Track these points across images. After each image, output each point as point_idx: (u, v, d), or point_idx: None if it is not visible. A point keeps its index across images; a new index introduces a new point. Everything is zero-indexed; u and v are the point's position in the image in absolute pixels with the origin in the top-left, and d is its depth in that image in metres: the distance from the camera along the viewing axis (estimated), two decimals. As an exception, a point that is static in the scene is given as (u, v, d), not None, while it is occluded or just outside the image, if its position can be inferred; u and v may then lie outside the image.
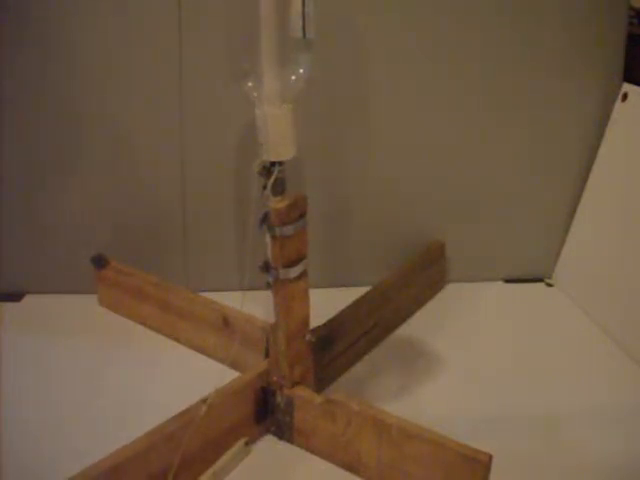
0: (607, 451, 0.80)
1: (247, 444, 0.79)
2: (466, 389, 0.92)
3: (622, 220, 1.06)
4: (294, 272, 0.74)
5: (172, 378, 0.92)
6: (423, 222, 1.16)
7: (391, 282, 1.05)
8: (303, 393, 0.79)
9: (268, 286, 0.76)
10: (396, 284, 1.05)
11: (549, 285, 1.19)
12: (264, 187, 0.71)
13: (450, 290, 1.18)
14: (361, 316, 0.98)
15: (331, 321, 0.91)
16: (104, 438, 0.70)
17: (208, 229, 1.12)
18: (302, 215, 0.74)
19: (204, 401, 0.73)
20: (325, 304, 0.87)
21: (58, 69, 1.04)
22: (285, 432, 0.81)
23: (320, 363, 0.86)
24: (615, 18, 1.10)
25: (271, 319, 0.78)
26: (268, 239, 0.73)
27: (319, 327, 0.87)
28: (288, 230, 0.72)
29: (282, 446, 0.81)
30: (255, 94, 0.70)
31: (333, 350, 0.91)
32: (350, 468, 0.77)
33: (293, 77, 0.70)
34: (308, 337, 0.80)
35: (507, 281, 1.20)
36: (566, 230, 1.18)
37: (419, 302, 1.12)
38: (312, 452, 0.80)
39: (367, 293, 1.00)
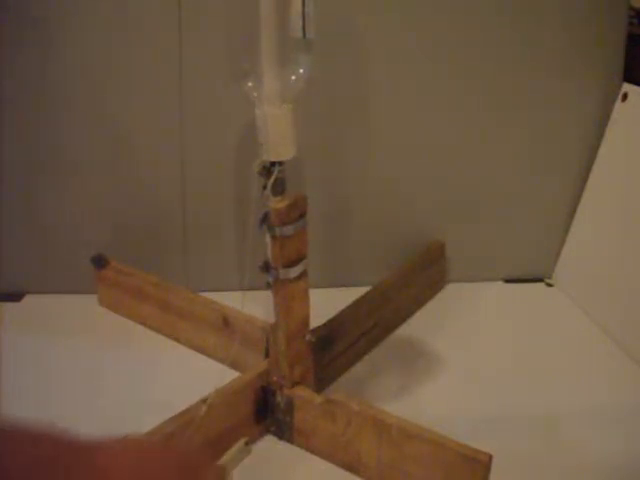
0: (607, 451, 0.80)
1: (247, 444, 0.78)
2: (466, 389, 0.92)
3: (622, 220, 1.06)
4: (294, 272, 0.74)
5: (172, 378, 0.92)
6: (423, 222, 1.16)
7: (391, 282, 1.05)
8: (303, 393, 0.79)
9: (268, 286, 0.75)
10: (396, 284, 1.05)
11: (549, 285, 1.19)
12: (264, 187, 0.71)
13: (450, 290, 1.17)
14: (361, 316, 0.98)
15: (331, 321, 0.91)
16: (104, 438, 0.70)
17: (208, 229, 1.12)
18: (302, 215, 0.74)
19: (204, 401, 0.73)
20: (325, 304, 0.87)
21: (58, 69, 1.04)
22: (285, 432, 0.81)
23: (320, 363, 0.86)
24: (615, 18, 1.10)
25: (271, 319, 0.78)
26: (268, 239, 0.73)
27: (319, 327, 0.87)
28: (288, 230, 0.72)
29: (282, 446, 0.81)
30: (255, 94, 0.70)
31: (333, 350, 0.91)
32: (350, 468, 0.77)
33: (293, 77, 0.70)
34: (308, 337, 0.80)
35: (507, 281, 1.20)
36: (566, 230, 1.17)
37: (419, 302, 1.11)
38: (312, 452, 0.79)
39: (367, 293, 1.00)
